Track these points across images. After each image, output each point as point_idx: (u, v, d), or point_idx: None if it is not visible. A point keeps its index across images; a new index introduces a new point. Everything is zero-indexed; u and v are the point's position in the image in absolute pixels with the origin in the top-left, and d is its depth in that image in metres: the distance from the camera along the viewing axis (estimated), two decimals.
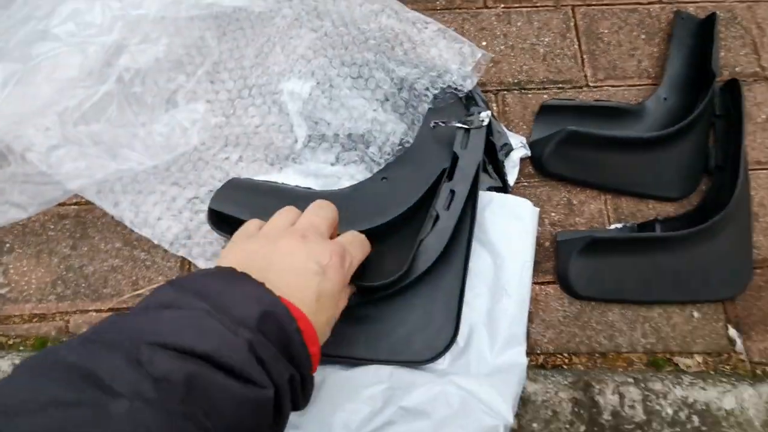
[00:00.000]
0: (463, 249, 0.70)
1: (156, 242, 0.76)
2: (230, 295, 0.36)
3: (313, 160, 0.77)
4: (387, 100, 0.77)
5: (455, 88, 0.77)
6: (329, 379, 0.64)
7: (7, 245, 0.76)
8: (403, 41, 0.78)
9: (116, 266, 0.76)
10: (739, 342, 0.79)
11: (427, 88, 0.76)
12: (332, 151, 0.78)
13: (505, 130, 0.83)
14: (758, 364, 0.79)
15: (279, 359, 0.36)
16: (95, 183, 0.73)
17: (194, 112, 0.77)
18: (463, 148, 0.70)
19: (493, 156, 0.79)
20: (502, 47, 0.90)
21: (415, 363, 0.66)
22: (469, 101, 0.78)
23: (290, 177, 0.77)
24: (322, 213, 0.52)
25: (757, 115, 0.89)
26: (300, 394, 0.41)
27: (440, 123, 0.73)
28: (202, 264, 0.74)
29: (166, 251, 0.77)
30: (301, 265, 0.43)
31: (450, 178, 0.70)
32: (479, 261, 0.74)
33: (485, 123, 0.72)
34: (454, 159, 0.70)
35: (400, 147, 0.75)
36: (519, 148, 0.82)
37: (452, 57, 0.78)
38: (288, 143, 0.79)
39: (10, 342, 0.73)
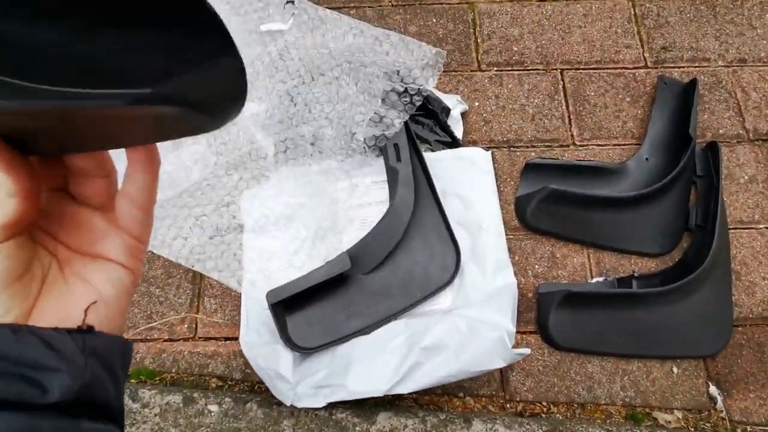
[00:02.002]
0: (427, 186, 0.85)
1: (174, 260, 0.85)
2: None
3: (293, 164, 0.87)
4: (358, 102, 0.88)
5: (412, 89, 0.89)
6: (356, 347, 0.75)
7: None
8: (365, 53, 0.90)
9: (134, 300, 0.85)
10: (719, 400, 0.81)
11: (393, 89, 0.88)
12: (307, 154, 0.87)
13: (440, 94, 0.94)
14: (739, 423, 0.80)
15: None
16: None
17: (196, 153, 0.88)
18: None
19: (437, 119, 0.92)
20: (494, 107, 0.98)
21: (441, 288, 0.79)
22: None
23: (278, 186, 0.87)
24: None
25: (740, 176, 0.93)
26: None
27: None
28: (215, 276, 0.84)
29: (177, 288, 0.85)
30: None
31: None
32: (451, 208, 0.85)
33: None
34: None
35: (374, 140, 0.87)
36: (456, 105, 0.94)
37: (409, 59, 0.89)
38: (261, 159, 0.88)
39: None
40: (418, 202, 0.83)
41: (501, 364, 0.70)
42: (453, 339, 0.72)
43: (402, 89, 0.90)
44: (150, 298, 0.85)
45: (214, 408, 0.75)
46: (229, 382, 0.81)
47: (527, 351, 0.72)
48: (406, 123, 0.86)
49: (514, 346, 0.74)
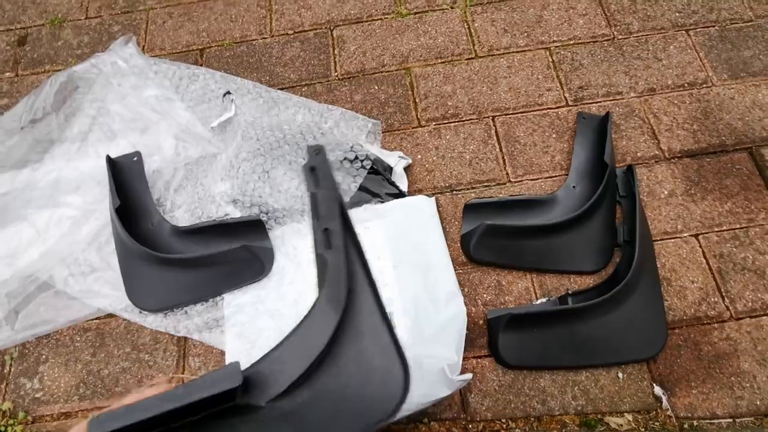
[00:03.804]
0: (364, 277, 0.62)
1: (164, 330, 0.95)
2: None
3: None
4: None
5: (361, 156, 1.02)
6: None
7: (43, 357, 0.96)
8: (314, 131, 1.04)
9: (126, 367, 0.94)
10: (664, 399, 0.87)
11: (341, 161, 1.02)
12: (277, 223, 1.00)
13: (381, 154, 1.06)
14: (685, 419, 0.86)
15: None
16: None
17: None
18: (317, 186, 0.63)
19: (383, 176, 1.03)
20: (435, 158, 1.10)
21: (383, 419, 0.54)
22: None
23: None
24: None
25: (660, 192, 1.03)
26: None
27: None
28: (197, 336, 0.94)
29: (164, 351, 0.94)
30: None
31: (317, 218, 0.62)
32: (401, 252, 0.94)
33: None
34: (313, 198, 0.63)
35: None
36: (399, 161, 1.06)
37: (353, 133, 1.04)
38: None
39: None
40: (353, 302, 0.60)
41: (447, 392, 0.78)
42: None
43: (353, 157, 1.03)
44: (140, 364, 0.94)
45: None
46: None
47: (469, 376, 0.80)
48: (340, 204, 0.63)
49: (463, 371, 0.82)
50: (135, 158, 1.07)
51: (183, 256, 0.95)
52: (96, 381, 0.93)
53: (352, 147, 1.01)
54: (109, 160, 1.05)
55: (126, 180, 1.05)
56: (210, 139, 1.07)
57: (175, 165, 1.06)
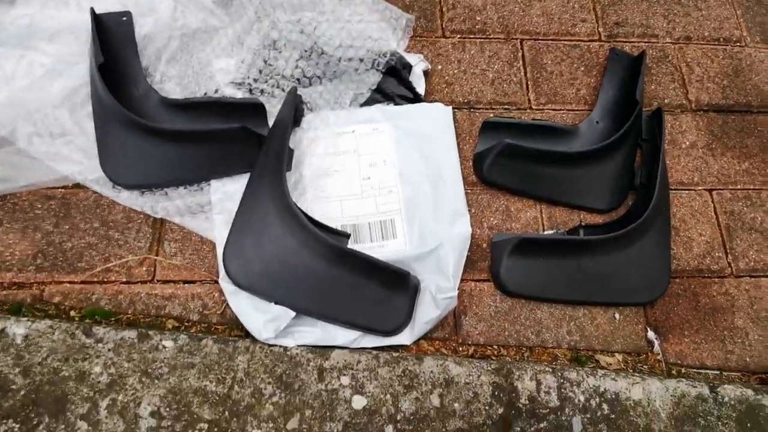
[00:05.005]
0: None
1: (138, 209, 0.86)
2: None
3: None
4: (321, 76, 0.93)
5: (387, 54, 0.95)
6: None
7: None
8: (339, 17, 0.95)
9: (92, 243, 0.85)
10: (656, 344, 0.85)
11: (361, 59, 0.94)
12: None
13: (402, 53, 0.98)
14: (674, 365, 0.85)
15: None
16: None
17: None
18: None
19: (399, 75, 0.95)
20: (456, 71, 1.01)
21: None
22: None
23: None
24: None
25: (682, 141, 0.99)
26: None
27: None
28: (178, 220, 0.86)
29: (137, 231, 0.85)
30: None
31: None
32: (409, 159, 0.89)
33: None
34: None
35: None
36: (418, 63, 0.98)
37: (380, 27, 0.97)
38: None
39: None
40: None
41: (436, 311, 0.79)
42: None
43: (376, 49, 0.93)
44: (109, 242, 0.85)
45: (168, 344, 0.76)
46: (186, 324, 0.82)
47: (454, 293, 0.80)
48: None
49: (461, 294, 0.82)
50: (124, 17, 0.94)
51: (172, 128, 0.85)
52: (57, 253, 0.84)
53: (376, 39, 0.91)
54: (93, 14, 0.91)
55: (111, 40, 0.92)
56: (213, 9, 0.95)
57: (170, 32, 0.94)
